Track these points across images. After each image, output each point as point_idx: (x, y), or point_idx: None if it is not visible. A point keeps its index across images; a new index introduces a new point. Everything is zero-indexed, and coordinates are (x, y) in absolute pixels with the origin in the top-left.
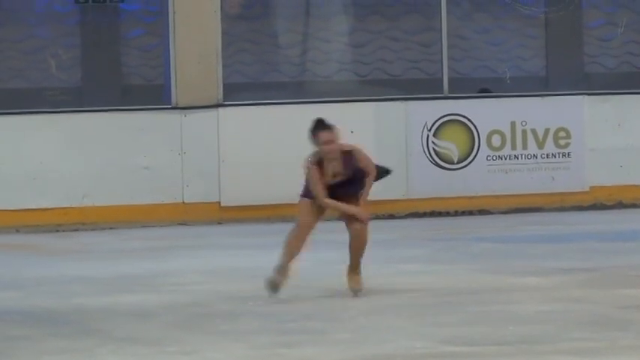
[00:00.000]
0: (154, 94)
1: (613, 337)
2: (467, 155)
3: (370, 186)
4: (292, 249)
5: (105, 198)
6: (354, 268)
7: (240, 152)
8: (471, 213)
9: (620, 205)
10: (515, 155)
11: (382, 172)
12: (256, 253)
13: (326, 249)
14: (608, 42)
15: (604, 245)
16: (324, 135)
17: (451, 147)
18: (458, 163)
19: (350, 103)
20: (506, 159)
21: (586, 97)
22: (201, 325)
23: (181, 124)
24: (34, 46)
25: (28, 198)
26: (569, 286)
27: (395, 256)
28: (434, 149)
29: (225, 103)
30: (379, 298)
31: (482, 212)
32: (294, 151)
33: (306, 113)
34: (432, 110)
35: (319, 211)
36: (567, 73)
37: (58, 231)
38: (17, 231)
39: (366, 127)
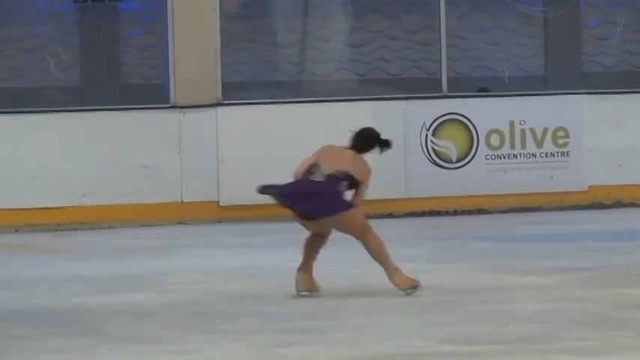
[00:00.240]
0: (152, 93)
1: (612, 336)
2: (466, 154)
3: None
4: (384, 248)
5: (104, 197)
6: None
7: (239, 151)
8: (469, 212)
9: (619, 205)
10: (514, 154)
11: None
12: (255, 252)
13: (325, 249)
14: (607, 41)
15: (603, 244)
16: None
17: (450, 146)
18: (457, 162)
19: (349, 102)
20: (505, 158)
21: (585, 96)
22: (201, 325)
23: (180, 123)
24: (33, 45)
25: (27, 197)
26: (568, 285)
27: (394, 256)
28: (433, 148)
29: (224, 102)
30: (378, 297)
31: (481, 211)
32: (293, 150)
33: (305, 112)
34: (430, 109)
35: None
36: (566, 72)
37: (57, 230)
38: (16, 230)
39: (364, 125)
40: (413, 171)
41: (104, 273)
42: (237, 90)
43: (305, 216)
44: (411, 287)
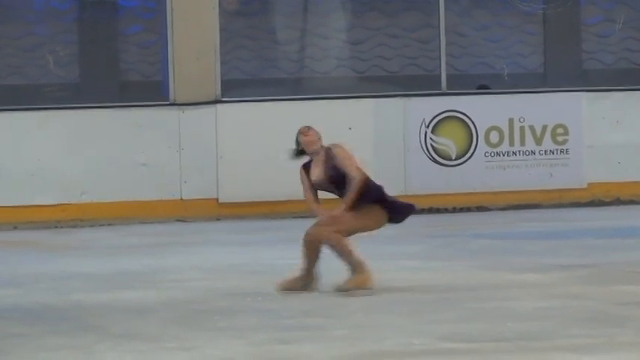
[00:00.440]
0: (152, 91)
1: (611, 333)
2: (465, 151)
3: (356, 190)
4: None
5: (103, 194)
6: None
7: (238, 148)
8: (469, 209)
9: (618, 202)
10: (513, 152)
11: (405, 209)
12: (254, 249)
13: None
14: (607, 38)
15: (602, 242)
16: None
17: (449, 143)
18: (456, 159)
19: (348, 100)
20: (504, 155)
21: (584, 93)
22: (200, 322)
23: (179, 121)
24: (32, 42)
25: (27, 194)
26: (567, 282)
27: (393, 253)
28: (432, 145)
29: (224, 99)
30: (377, 294)
31: (481, 209)
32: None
33: (305, 110)
34: (430, 107)
35: None
36: (565, 69)
37: (56, 227)
38: (15, 228)
39: (364, 123)
40: (412, 168)
41: (103, 270)
42: (236, 87)
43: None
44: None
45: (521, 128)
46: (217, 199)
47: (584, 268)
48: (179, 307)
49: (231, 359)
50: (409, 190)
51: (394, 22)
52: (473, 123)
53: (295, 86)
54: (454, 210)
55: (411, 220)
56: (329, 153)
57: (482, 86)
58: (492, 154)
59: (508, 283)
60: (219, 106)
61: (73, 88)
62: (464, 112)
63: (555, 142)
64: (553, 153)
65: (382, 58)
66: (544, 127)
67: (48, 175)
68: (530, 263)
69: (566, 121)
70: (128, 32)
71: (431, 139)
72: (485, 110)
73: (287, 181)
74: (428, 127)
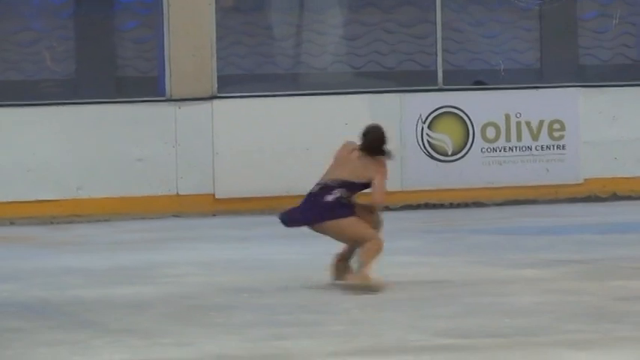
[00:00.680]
0: (148, 86)
1: (608, 328)
2: (461, 147)
3: (375, 209)
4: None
5: (99, 190)
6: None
7: (234, 144)
8: (465, 205)
9: (615, 197)
10: (509, 147)
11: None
12: (251, 244)
13: (321, 242)
14: (603, 34)
15: (598, 237)
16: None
17: (446, 139)
18: (452, 155)
19: (344, 95)
20: (500, 151)
21: (580, 89)
22: (196, 317)
23: (176, 116)
24: (28, 38)
25: (23, 190)
26: (564, 277)
27: (389, 248)
28: (428, 141)
29: (220, 95)
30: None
31: (477, 204)
32: (288, 143)
33: (301, 105)
34: (426, 102)
35: None
36: (561, 65)
37: (52, 223)
38: (12, 223)
39: (360, 119)
40: (409, 164)
41: (100, 265)
42: (232, 83)
43: (305, 223)
44: (364, 284)
45: (518, 124)
46: (214, 195)
47: (581, 263)
48: (175, 303)
49: (227, 355)
50: (405, 185)
51: (390, 17)
52: (469, 118)
53: (291, 82)
54: (450, 205)
55: (408, 216)
56: (379, 161)
57: (479, 82)
58: (489, 150)
59: (505, 279)
60: (215, 101)
61: (69, 84)
62: (460, 107)
63: (552, 137)
64: (549, 148)
65: (378, 53)
66: (540, 123)
67: (44, 170)
68: (527, 258)
69: (562, 116)
70: (124, 28)
71: (427, 134)
72: (481, 106)
73: (283, 176)
74: (424, 122)
